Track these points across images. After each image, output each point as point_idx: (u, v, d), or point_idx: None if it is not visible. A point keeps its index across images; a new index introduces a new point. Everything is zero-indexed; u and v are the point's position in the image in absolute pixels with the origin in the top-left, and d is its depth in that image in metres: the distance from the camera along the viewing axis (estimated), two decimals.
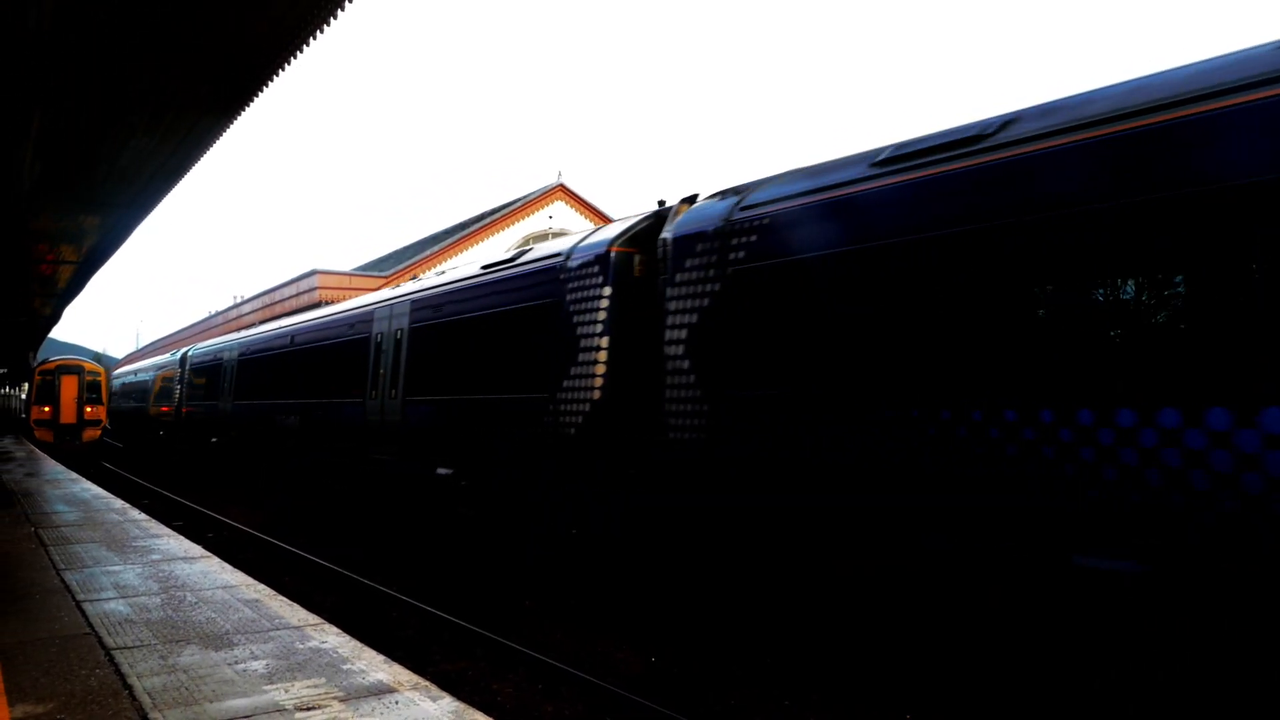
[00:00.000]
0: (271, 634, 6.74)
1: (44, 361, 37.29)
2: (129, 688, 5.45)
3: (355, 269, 45.68)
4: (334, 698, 5.27)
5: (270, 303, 45.22)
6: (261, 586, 8.60)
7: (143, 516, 13.97)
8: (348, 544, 15.84)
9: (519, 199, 45.19)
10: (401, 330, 15.91)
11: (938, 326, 7.27)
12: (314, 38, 7.05)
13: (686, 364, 9.48)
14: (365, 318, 17.73)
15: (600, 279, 10.83)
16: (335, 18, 6.79)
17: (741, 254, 9.08)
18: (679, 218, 10.13)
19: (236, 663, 5.98)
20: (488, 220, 44.16)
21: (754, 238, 8.98)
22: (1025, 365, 6.67)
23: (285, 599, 8.06)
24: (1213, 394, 5.68)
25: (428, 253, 43.15)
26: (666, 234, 10.07)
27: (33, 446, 34.72)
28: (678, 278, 9.73)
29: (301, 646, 6.39)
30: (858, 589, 8.14)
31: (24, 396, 54.84)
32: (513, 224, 43.79)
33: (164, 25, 6.79)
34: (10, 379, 57.54)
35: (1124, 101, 6.47)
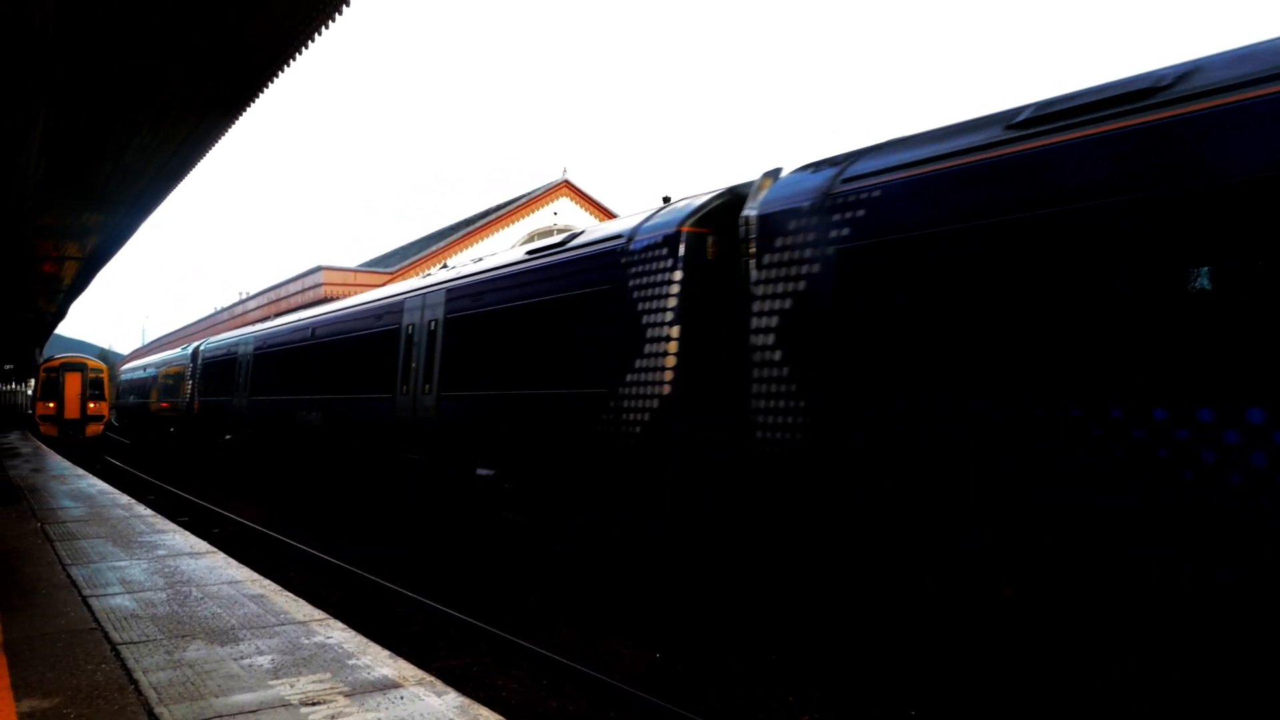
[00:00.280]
0: (277, 629, 6.77)
1: (49, 359, 38.59)
2: (135, 682, 5.48)
3: (360, 265, 45.77)
4: (339, 693, 5.30)
5: (275, 299, 45.30)
6: (267, 582, 8.63)
7: (148, 512, 14.02)
8: (353, 540, 15.86)
9: (524, 195, 45.19)
10: (435, 321, 14.94)
11: (1107, 308, 6.22)
12: (316, 36, 7.06)
13: (778, 356, 8.47)
14: (394, 308, 16.74)
15: (670, 262, 9.87)
16: (337, 18, 6.79)
17: (846, 231, 8.05)
18: (763, 193, 9.17)
19: (242, 658, 6.01)
20: (492, 217, 44.16)
21: (862, 212, 7.95)
22: (1234, 355, 5.56)
23: (290, 594, 8.09)
24: None
25: (432, 249, 43.17)
26: (750, 211, 9.11)
27: (39, 442, 34.89)
28: (766, 259, 8.75)
29: (307, 642, 6.42)
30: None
31: (30, 393, 55.04)
32: (517, 220, 43.78)
33: (165, 25, 6.81)
34: (16, 375, 57.71)
35: None
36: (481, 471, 13.17)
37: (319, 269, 40.27)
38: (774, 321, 8.57)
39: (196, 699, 5.18)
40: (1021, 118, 7.12)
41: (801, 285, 8.39)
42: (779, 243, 8.68)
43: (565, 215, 43.88)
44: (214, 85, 8.05)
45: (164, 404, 36.22)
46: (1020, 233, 6.73)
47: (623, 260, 10.60)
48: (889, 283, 7.65)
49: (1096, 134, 6.45)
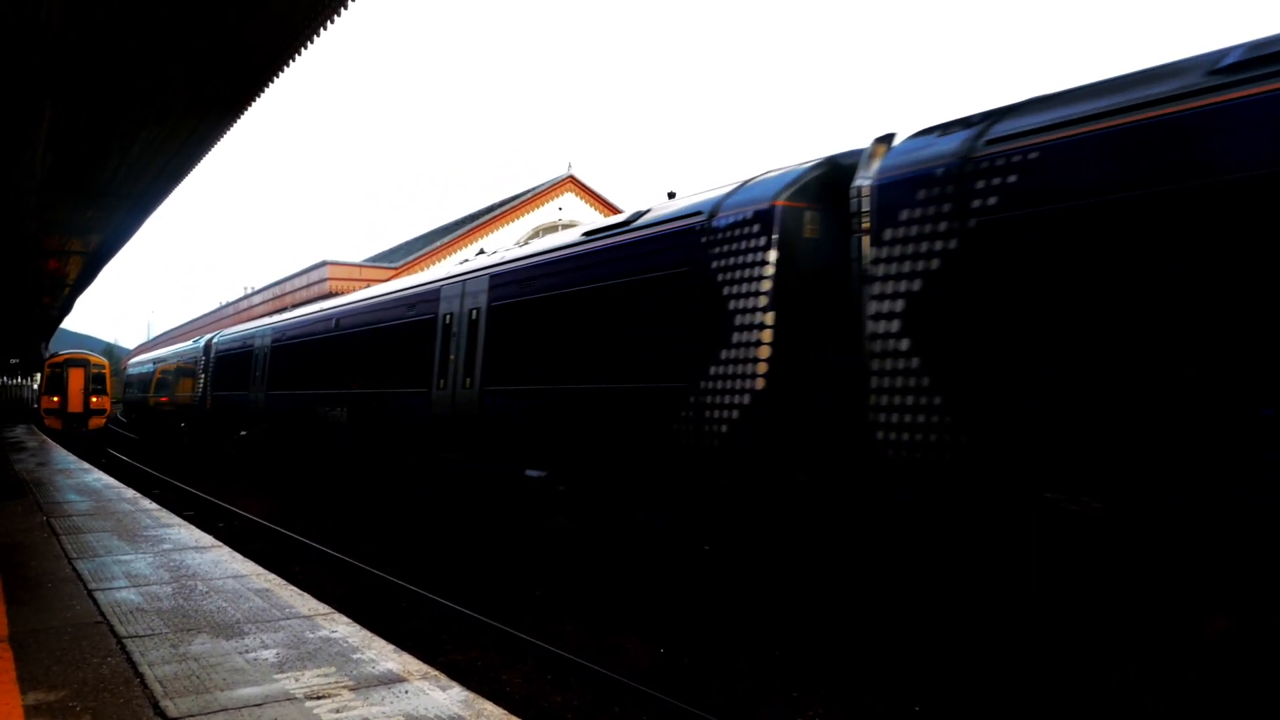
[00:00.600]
0: (282, 623, 6.78)
1: (53, 355, 40.00)
2: (140, 676, 5.49)
3: (365, 260, 45.86)
4: (344, 686, 5.30)
5: (280, 294, 45.40)
6: (272, 576, 8.64)
7: (154, 506, 14.04)
8: (358, 535, 15.89)
9: (529, 190, 45.20)
10: (477, 310, 13.90)
11: None
12: (320, 33, 7.07)
13: (904, 346, 7.46)
14: (429, 296, 15.66)
15: (762, 241, 8.85)
16: (341, 13, 6.80)
17: (994, 200, 6.99)
18: (878, 161, 8.20)
19: (247, 651, 6.02)
20: (498, 212, 44.18)
21: (1014, 178, 6.90)
22: None
23: (295, 588, 8.10)
24: None
25: (437, 244, 43.23)
26: (864, 180, 8.18)
27: (44, 436, 35.06)
28: (887, 235, 7.72)
29: (312, 636, 6.43)
30: None
31: (35, 387, 55.37)
32: (522, 215, 43.81)
33: (169, 21, 6.82)
34: (22, 369, 57.97)
35: None
36: (531, 473, 12.25)
37: (324, 264, 40.37)
38: (899, 306, 7.56)
39: (202, 692, 5.19)
40: (1227, 61, 6.10)
41: (935, 264, 7.33)
42: (904, 216, 7.62)
43: (570, 210, 43.88)
44: (218, 82, 8.07)
45: (174, 398, 35.91)
46: (1238, 192, 5.69)
47: (703, 240, 9.57)
48: (1060, 258, 6.54)
49: None
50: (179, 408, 35.29)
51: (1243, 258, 5.63)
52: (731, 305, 9.04)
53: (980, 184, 7.14)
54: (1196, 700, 6.05)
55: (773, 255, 8.77)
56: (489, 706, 5.01)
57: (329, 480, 20.44)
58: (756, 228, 8.97)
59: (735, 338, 8.93)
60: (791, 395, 8.64)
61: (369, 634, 6.54)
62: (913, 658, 7.94)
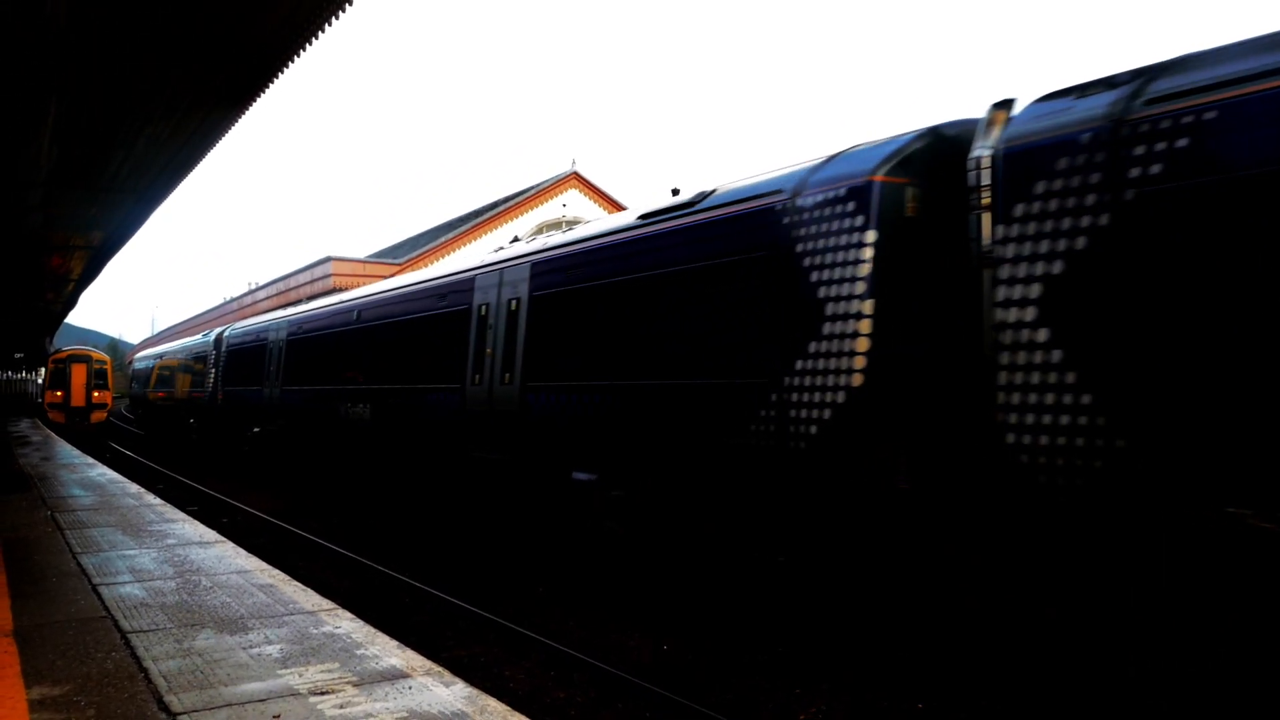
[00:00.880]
0: (286, 619, 6.79)
1: (56, 351, 41.84)
2: (144, 670, 5.51)
3: (369, 256, 45.90)
4: (348, 682, 5.31)
5: (285, 289, 45.51)
6: (276, 571, 8.66)
7: (158, 501, 14.07)
8: (362, 529, 15.90)
9: (533, 187, 45.22)
10: (517, 300, 12.98)
11: None
12: (325, 29, 7.07)
13: (1042, 337, 6.58)
14: (462, 286, 14.73)
15: (859, 220, 7.96)
16: (346, 9, 6.80)
17: (1158, 167, 6.14)
18: (999, 128, 7.34)
19: (251, 647, 6.03)
20: (501, 208, 44.22)
21: (1184, 142, 6.04)
22: None
23: (299, 584, 8.12)
24: None
25: (442, 240, 43.27)
26: (984, 151, 7.29)
27: (48, 431, 35.19)
28: (1019, 211, 6.86)
29: (315, 631, 6.44)
30: None
31: (39, 382, 55.78)
32: (526, 212, 43.84)
33: (172, 18, 6.82)
34: (27, 364, 58.23)
35: None
36: (579, 475, 11.39)
37: (328, 260, 40.46)
38: (1035, 292, 6.66)
39: (206, 687, 5.20)
40: None
41: (1083, 243, 6.46)
42: (1040, 189, 6.75)
43: (574, 207, 43.88)
44: (223, 77, 8.07)
45: (183, 394, 35.43)
46: None
47: (785, 220, 8.65)
48: (1246, 232, 5.70)
49: None
50: (187, 403, 34.82)
51: None
52: (822, 292, 8.14)
53: (1139, 149, 6.30)
54: None
55: (871, 236, 7.86)
56: (492, 702, 5.01)
57: (347, 478, 19.93)
58: (851, 206, 8.06)
59: (827, 328, 8.04)
60: (893, 393, 7.74)
61: (373, 630, 6.56)
62: (917, 655, 7.94)
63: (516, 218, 43.54)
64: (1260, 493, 5.61)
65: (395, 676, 5.44)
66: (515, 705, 5.67)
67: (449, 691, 5.18)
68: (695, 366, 9.53)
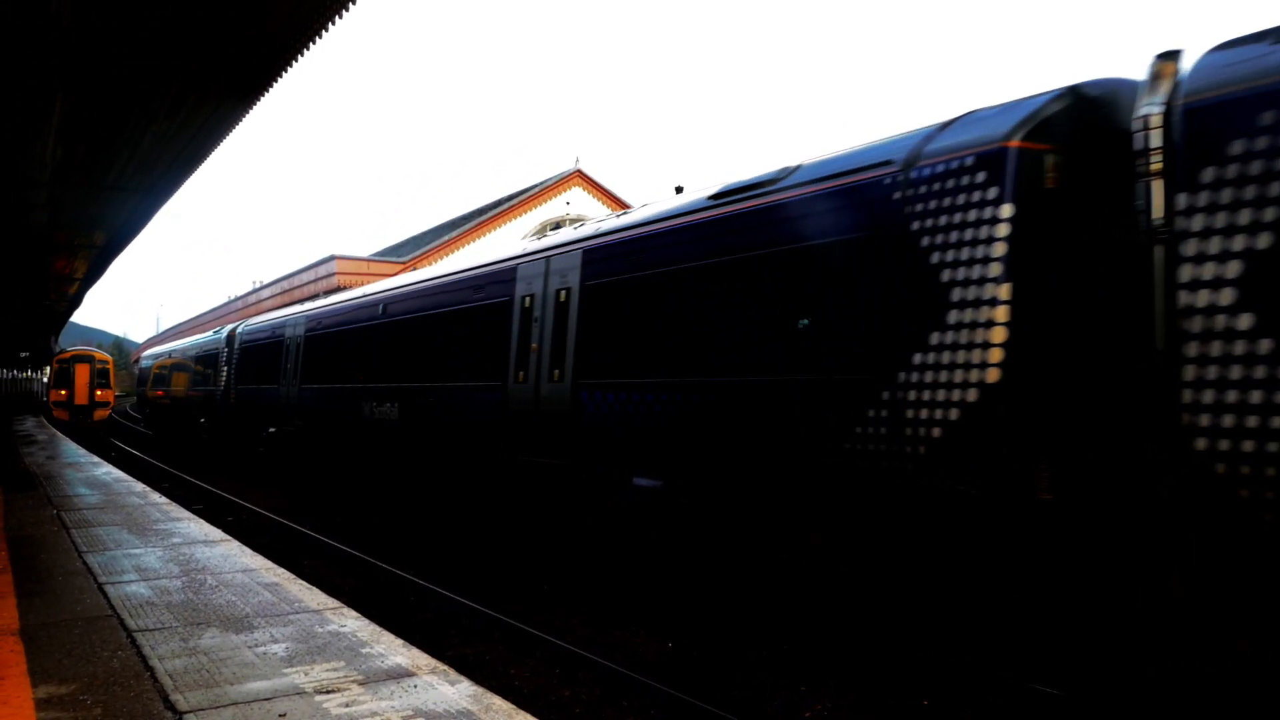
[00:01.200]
0: (291, 617, 6.79)
1: (61, 351, 43.84)
2: (150, 669, 5.51)
3: (373, 254, 45.92)
4: (353, 681, 5.31)
5: (289, 288, 45.56)
6: (281, 570, 8.67)
7: (163, 500, 14.09)
8: (366, 528, 15.91)
9: (536, 185, 45.25)
10: (568, 290, 12.02)
11: None
12: (333, 23, 7.05)
13: (1245, 324, 5.64)
14: (502, 276, 13.74)
15: (992, 193, 7.01)
16: (350, 8, 6.78)
17: None
18: (1170, 81, 6.36)
19: (257, 645, 6.03)
20: (505, 206, 44.26)
21: None
22: None
23: (304, 582, 8.12)
24: None
25: (446, 238, 43.32)
26: (1154, 106, 6.29)
27: (54, 430, 35.30)
28: (1207, 176, 5.91)
29: (321, 630, 6.44)
30: None
31: (45, 380, 56.34)
32: (530, 210, 43.88)
33: (179, 13, 6.81)
34: (32, 363, 58.53)
35: None
36: (640, 481, 10.59)
37: (332, 258, 40.51)
38: (1234, 270, 5.72)
39: (212, 686, 5.20)
40: None
41: None
42: (1237, 149, 5.80)
43: (578, 205, 43.91)
44: (231, 72, 8.05)
45: (193, 392, 34.76)
46: None
47: (897, 195, 7.74)
48: None
49: None
50: (198, 402, 34.06)
51: None
52: (946, 276, 7.19)
53: None
54: None
55: (1008, 210, 6.90)
56: (498, 701, 5.01)
57: (372, 481, 19.19)
58: (982, 176, 7.12)
59: (953, 317, 7.08)
60: (1035, 389, 6.80)
61: (378, 628, 6.55)
62: (922, 653, 7.92)
63: (520, 216, 43.58)
64: None
65: (400, 675, 5.43)
66: (520, 703, 5.66)
67: (454, 690, 5.17)
68: (781, 361, 8.64)
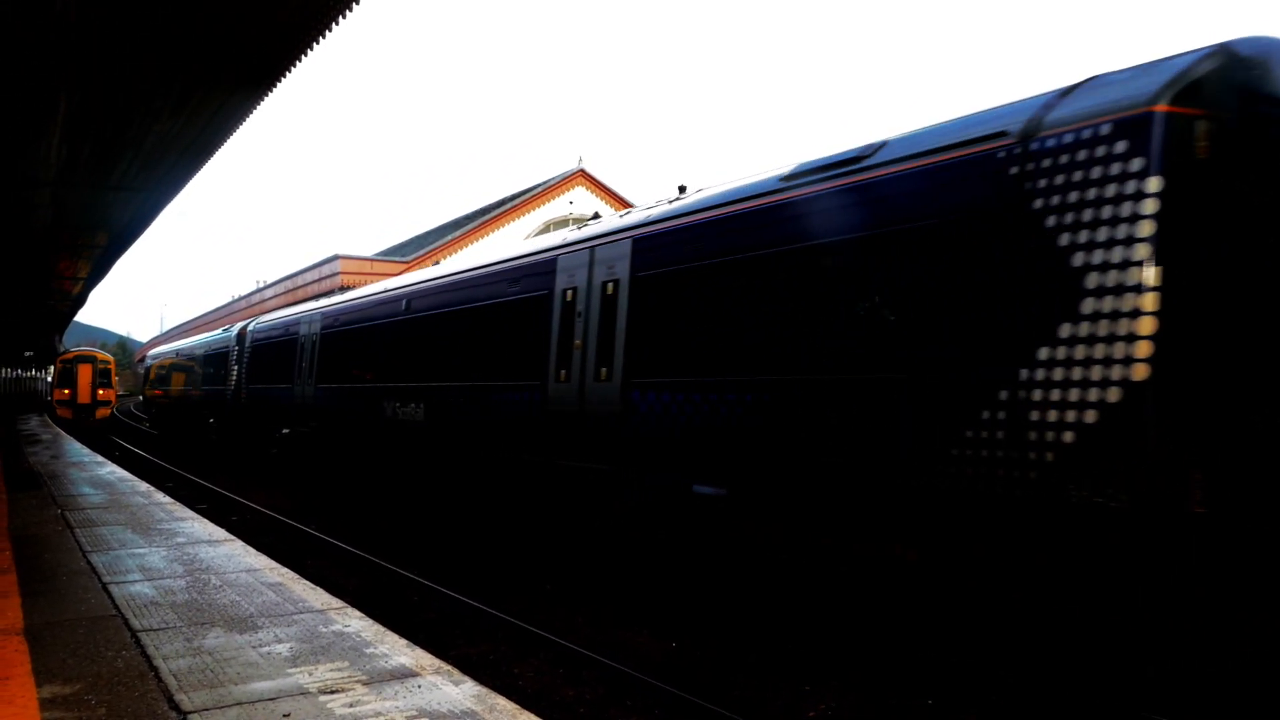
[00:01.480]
0: (295, 617, 6.79)
1: (64, 352, 45.14)
2: (155, 669, 5.51)
3: (377, 254, 45.95)
4: (357, 681, 5.31)
5: (293, 287, 45.63)
6: (285, 570, 8.67)
7: (167, 499, 14.10)
8: (370, 528, 15.91)
9: (539, 184, 45.27)
10: (615, 283, 11.15)
11: None
12: (337, 21, 7.05)
13: None
14: (540, 269, 12.84)
15: (1136, 164, 6.11)
16: (352, 9, 6.79)
17: None
18: None
19: (261, 645, 6.03)
20: (508, 206, 44.29)
21: None
22: None
23: (308, 582, 8.13)
24: None
25: (449, 238, 43.35)
26: None
27: (58, 429, 35.37)
28: None
29: (325, 630, 6.44)
30: None
31: (48, 379, 56.79)
32: (533, 209, 43.90)
33: (183, 12, 6.81)
34: (36, 362, 58.73)
35: None
36: (701, 489, 9.75)
37: (336, 258, 40.55)
38: None
39: (216, 686, 5.20)
40: None
41: None
42: None
43: (581, 204, 43.91)
44: (236, 70, 8.06)
45: (201, 392, 33.94)
46: None
47: (1014, 170, 6.84)
48: None
49: None
50: (206, 402, 33.13)
51: None
52: (1078, 259, 6.33)
53: None
54: None
55: (1155, 184, 6.01)
56: (501, 701, 5.00)
57: (395, 485, 18.47)
58: (1121, 146, 6.23)
59: (1088, 306, 6.22)
60: (1190, 388, 5.96)
61: (382, 628, 6.55)
62: (927, 655, 7.90)
63: (523, 215, 43.61)
64: None
65: (404, 675, 5.43)
66: (524, 703, 5.66)
67: (458, 690, 5.17)
68: (871, 356, 7.81)
